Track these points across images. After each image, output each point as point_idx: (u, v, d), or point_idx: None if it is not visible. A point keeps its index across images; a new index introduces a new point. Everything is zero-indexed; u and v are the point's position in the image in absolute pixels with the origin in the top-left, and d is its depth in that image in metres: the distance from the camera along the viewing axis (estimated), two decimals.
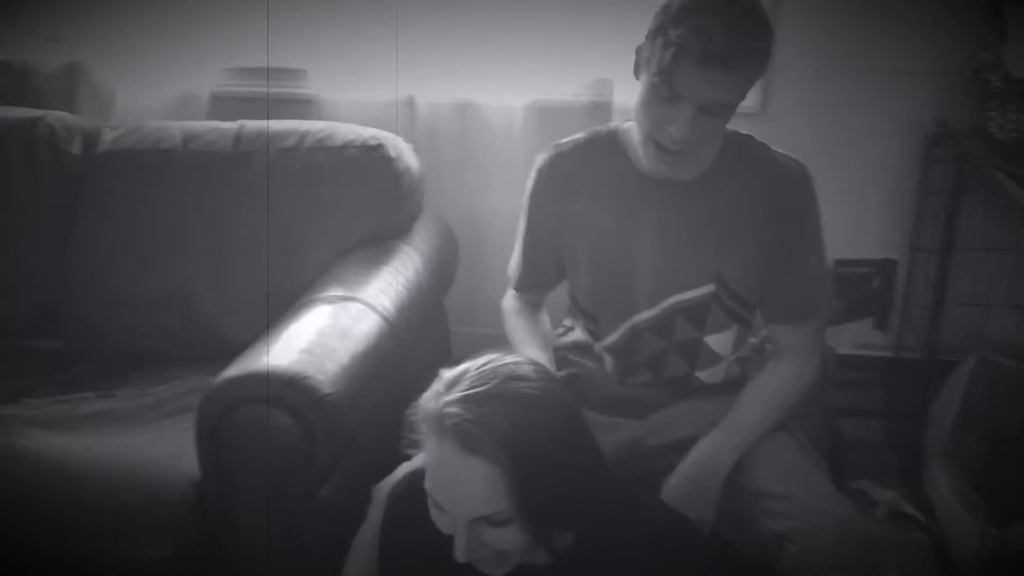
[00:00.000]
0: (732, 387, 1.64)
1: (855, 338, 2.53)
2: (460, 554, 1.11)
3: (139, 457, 1.66)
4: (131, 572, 1.57)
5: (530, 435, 1.07)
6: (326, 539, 1.58)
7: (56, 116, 2.24)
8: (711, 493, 1.50)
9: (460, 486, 1.09)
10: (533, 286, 1.74)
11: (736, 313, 1.61)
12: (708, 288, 1.58)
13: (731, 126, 1.51)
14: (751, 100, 2.30)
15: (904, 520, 2.13)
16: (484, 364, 1.13)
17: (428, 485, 1.13)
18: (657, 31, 1.39)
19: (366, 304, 1.82)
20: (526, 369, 1.13)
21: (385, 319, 1.81)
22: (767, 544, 1.45)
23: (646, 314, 1.61)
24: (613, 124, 1.64)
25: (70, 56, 2.43)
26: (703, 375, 1.66)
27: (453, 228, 2.33)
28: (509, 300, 1.77)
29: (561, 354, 1.72)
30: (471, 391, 1.09)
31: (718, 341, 1.63)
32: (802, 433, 1.62)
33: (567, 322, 1.80)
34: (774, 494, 1.48)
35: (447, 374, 1.13)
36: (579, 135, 1.65)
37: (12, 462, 1.65)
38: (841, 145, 2.35)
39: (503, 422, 1.07)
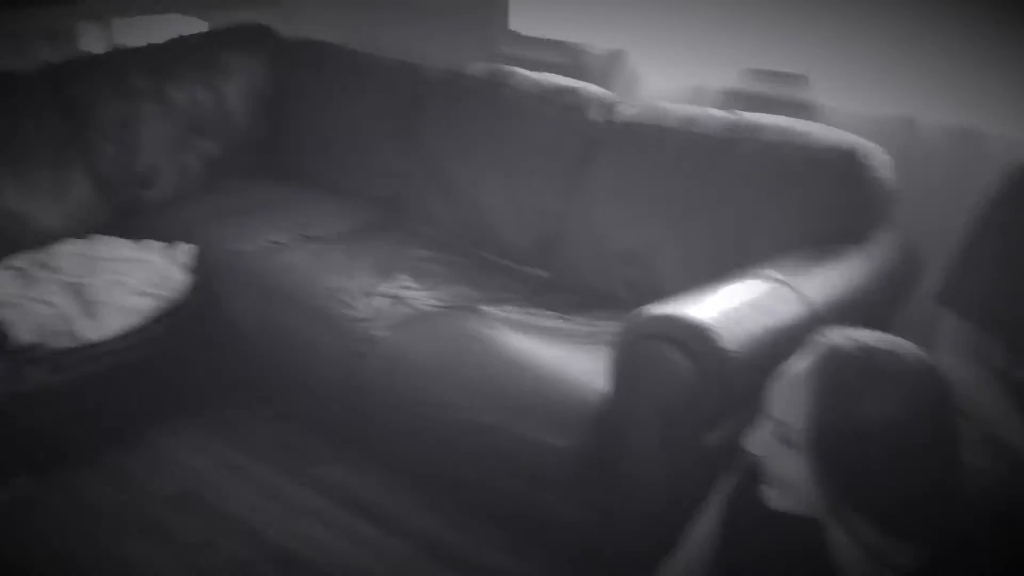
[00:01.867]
0: None
1: None
2: (750, 440, 1.21)
3: (569, 364, 2.00)
4: (533, 449, 1.91)
5: (850, 389, 1.12)
6: (701, 480, 1.74)
7: (589, 88, 2.64)
8: None
9: (781, 379, 1.19)
10: (978, 306, 1.61)
11: None
12: None
13: None
14: None
15: None
16: (899, 339, 1.17)
17: None
18: None
19: (797, 292, 1.91)
20: (910, 358, 1.14)
21: (811, 310, 1.89)
22: None
23: None
24: None
25: (616, 44, 2.84)
26: None
27: (921, 250, 2.30)
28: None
29: None
30: (858, 336, 1.15)
31: None
32: None
33: None
34: None
35: None
36: None
37: (476, 343, 2.08)
38: None
39: (845, 364, 1.13)
